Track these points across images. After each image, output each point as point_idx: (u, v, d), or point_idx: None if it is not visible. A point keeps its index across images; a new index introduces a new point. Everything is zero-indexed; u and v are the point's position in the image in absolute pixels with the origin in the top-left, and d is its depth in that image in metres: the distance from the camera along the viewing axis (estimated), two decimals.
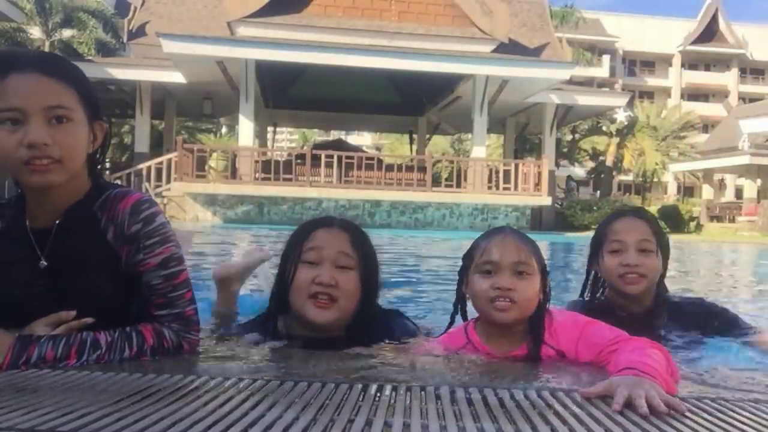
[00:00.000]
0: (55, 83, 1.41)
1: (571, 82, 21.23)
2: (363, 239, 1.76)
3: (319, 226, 1.75)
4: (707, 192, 36.64)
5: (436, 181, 19.22)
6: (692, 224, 25.11)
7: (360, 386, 1.30)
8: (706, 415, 1.20)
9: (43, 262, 1.46)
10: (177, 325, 1.55)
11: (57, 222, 1.48)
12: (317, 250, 1.68)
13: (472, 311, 1.78)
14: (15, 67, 1.38)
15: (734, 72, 54.20)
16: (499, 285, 1.63)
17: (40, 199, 1.47)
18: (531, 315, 1.69)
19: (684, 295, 2.46)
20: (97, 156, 1.54)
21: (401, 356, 1.69)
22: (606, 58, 52.26)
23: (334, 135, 45.26)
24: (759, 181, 31.24)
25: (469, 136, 21.01)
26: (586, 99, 21.73)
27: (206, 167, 19.62)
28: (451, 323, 1.83)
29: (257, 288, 2.80)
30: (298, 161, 18.15)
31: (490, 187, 18.61)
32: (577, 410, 1.19)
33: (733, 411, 1.24)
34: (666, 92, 54.62)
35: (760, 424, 1.16)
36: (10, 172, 1.40)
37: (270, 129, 28.42)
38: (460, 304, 1.79)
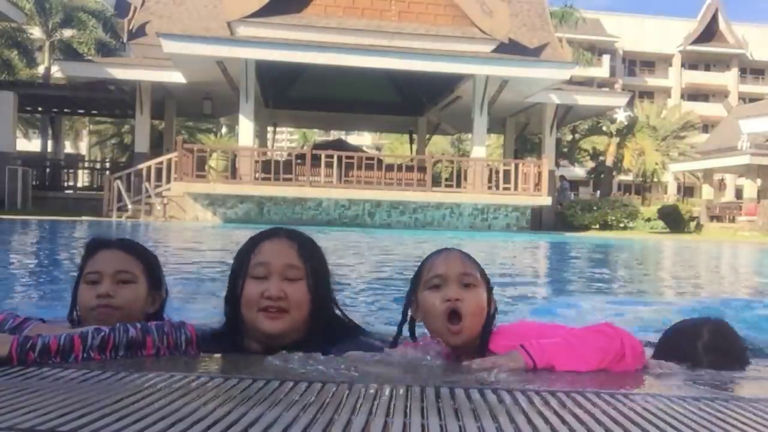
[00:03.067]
0: (127, 256, 1.90)
1: (571, 82, 21.23)
2: (311, 249, 1.79)
3: (264, 238, 1.77)
4: (707, 192, 36.65)
5: (436, 181, 19.22)
6: (692, 224, 25.11)
7: (360, 386, 1.30)
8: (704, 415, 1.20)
9: None
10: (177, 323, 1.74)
11: None
12: (264, 264, 1.71)
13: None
14: (104, 246, 1.91)
15: (734, 72, 54.19)
16: (448, 296, 1.69)
17: None
18: (481, 329, 1.72)
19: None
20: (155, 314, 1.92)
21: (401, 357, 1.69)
22: (606, 58, 52.25)
23: (334, 135, 45.25)
24: (759, 181, 31.24)
25: (469, 136, 21.01)
26: (586, 99, 21.74)
27: (206, 167, 19.63)
28: (395, 342, 1.79)
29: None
30: (298, 161, 18.15)
31: (490, 187, 18.61)
32: (577, 410, 1.19)
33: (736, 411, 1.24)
34: (666, 92, 54.61)
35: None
36: (84, 315, 1.85)
37: (270, 129, 28.42)
38: (408, 324, 1.81)
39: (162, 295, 1.96)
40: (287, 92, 22.20)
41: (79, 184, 25.12)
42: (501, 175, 18.74)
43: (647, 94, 52.83)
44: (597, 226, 20.90)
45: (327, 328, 1.78)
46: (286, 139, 62.46)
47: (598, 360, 1.60)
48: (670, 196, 46.71)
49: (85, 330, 1.58)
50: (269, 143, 28.49)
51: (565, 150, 31.11)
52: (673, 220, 23.27)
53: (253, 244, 1.76)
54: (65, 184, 23.56)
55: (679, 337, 1.90)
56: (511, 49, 18.87)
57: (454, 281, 1.71)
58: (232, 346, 1.75)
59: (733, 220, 30.28)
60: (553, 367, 1.57)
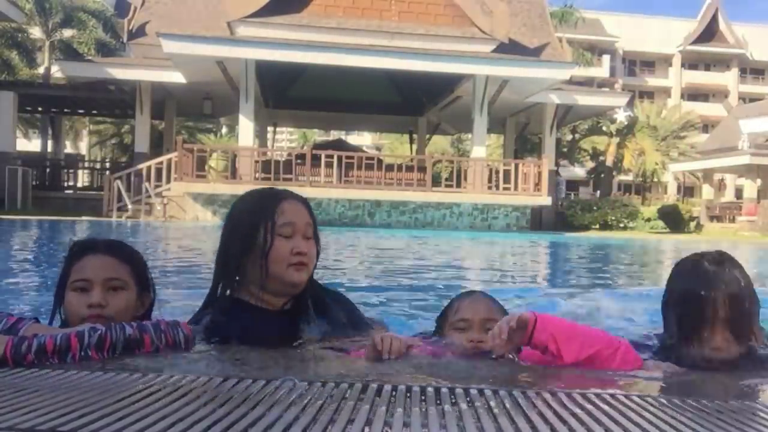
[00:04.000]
0: (115, 261, 1.85)
1: (571, 82, 21.22)
2: (311, 209, 1.97)
3: (282, 199, 1.89)
4: (707, 192, 36.64)
5: (436, 181, 19.22)
6: (692, 224, 25.11)
7: (360, 386, 1.30)
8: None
9: None
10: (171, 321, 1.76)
11: None
12: (291, 224, 1.84)
13: None
14: (90, 251, 1.86)
15: (734, 72, 54.19)
16: (472, 338, 1.84)
17: None
18: None
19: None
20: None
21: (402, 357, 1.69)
22: (606, 58, 52.24)
23: (334, 135, 45.24)
24: (759, 181, 31.23)
25: (469, 136, 21.01)
26: (586, 99, 21.74)
27: (206, 167, 19.62)
28: None
29: None
30: (298, 161, 18.16)
31: (490, 187, 18.61)
32: (577, 410, 1.19)
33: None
34: (666, 92, 54.61)
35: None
36: (73, 323, 1.77)
37: (270, 129, 28.42)
38: None
39: (150, 296, 1.94)
40: (287, 92, 22.20)
41: (79, 184, 25.13)
42: (501, 175, 18.73)
43: (647, 94, 52.83)
44: (597, 226, 20.90)
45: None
46: (286, 139, 62.45)
47: (593, 346, 1.64)
48: (670, 196, 46.71)
49: (81, 329, 1.58)
50: (269, 143, 28.49)
51: (565, 150, 31.12)
52: (673, 220, 23.28)
53: (273, 203, 1.86)
54: (65, 184, 23.57)
55: (684, 279, 1.80)
56: (511, 49, 18.87)
57: (478, 326, 1.86)
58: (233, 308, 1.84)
59: (733, 220, 30.29)
60: (553, 336, 1.63)
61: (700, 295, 1.70)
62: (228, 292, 1.89)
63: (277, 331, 1.83)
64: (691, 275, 1.77)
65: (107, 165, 27.57)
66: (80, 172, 26.31)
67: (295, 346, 1.81)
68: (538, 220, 19.57)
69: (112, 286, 1.82)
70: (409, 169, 19.10)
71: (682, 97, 53.14)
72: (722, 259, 1.78)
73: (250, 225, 1.84)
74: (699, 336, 1.71)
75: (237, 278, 1.88)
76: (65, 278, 1.84)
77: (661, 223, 22.56)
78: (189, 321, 1.88)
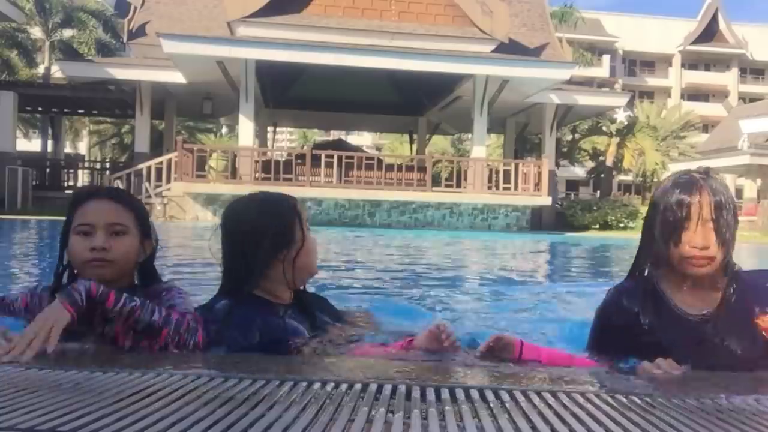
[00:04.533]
0: (118, 206, 1.89)
1: (571, 82, 21.22)
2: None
3: (296, 200, 2.03)
4: None
5: (436, 181, 19.22)
6: None
7: (360, 386, 1.30)
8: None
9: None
10: (193, 317, 1.80)
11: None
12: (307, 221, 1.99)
13: None
14: (93, 196, 1.89)
15: (734, 72, 54.20)
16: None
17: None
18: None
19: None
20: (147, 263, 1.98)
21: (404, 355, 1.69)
22: (606, 58, 52.24)
23: (334, 135, 45.26)
24: (759, 181, 31.25)
25: (469, 136, 21.01)
26: (586, 99, 21.74)
27: (206, 167, 19.63)
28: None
29: None
30: (298, 161, 18.16)
31: (490, 187, 18.61)
32: (577, 410, 1.19)
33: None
34: (666, 92, 54.62)
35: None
36: (76, 267, 1.86)
37: (270, 129, 28.42)
38: None
39: (152, 244, 1.97)
40: (287, 92, 22.20)
41: (79, 184, 25.11)
42: (501, 175, 18.74)
43: (647, 94, 52.82)
44: (597, 226, 20.90)
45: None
46: (286, 139, 62.46)
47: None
48: None
49: (121, 290, 1.68)
50: (269, 143, 28.49)
51: (565, 150, 31.11)
52: None
53: (294, 203, 1.99)
54: (65, 184, 23.55)
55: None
56: (511, 49, 18.87)
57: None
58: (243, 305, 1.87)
59: None
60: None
61: (686, 196, 1.70)
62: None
63: (286, 320, 1.90)
64: (676, 183, 1.76)
65: (107, 165, 27.56)
66: (80, 172, 26.28)
67: (295, 344, 1.81)
68: (538, 220, 19.57)
69: (114, 230, 1.85)
70: (409, 169, 19.10)
71: (682, 97, 53.13)
72: (707, 171, 1.78)
73: (280, 226, 1.93)
74: (680, 235, 1.70)
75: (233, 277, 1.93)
76: (69, 223, 1.88)
77: None
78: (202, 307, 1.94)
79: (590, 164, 36.04)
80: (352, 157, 18.11)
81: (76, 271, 1.88)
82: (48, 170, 23.48)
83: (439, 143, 42.50)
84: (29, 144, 34.66)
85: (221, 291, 1.96)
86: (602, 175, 31.86)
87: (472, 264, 8.73)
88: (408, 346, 1.78)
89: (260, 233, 1.90)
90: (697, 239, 1.69)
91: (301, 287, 2.04)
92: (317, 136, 52.92)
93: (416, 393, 1.27)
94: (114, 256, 1.83)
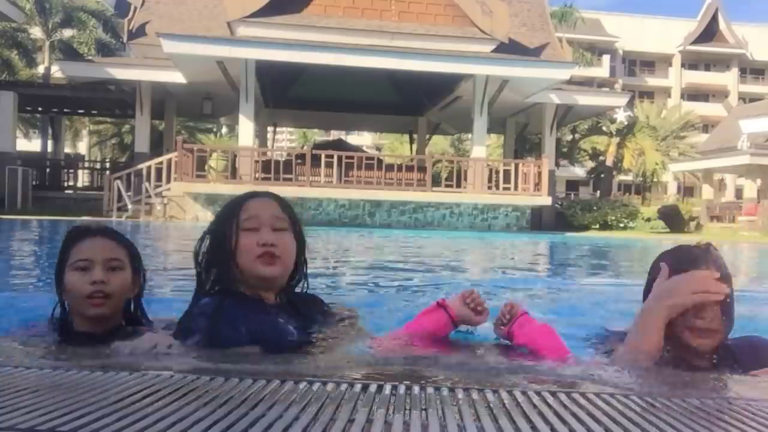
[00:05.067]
0: (113, 243, 2.00)
1: (571, 82, 21.23)
2: (288, 204, 2.03)
3: (251, 197, 1.97)
4: (707, 192, 36.65)
5: (436, 181, 19.22)
6: (692, 224, 25.11)
7: (360, 386, 1.30)
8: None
9: None
10: None
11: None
12: (255, 218, 1.89)
13: None
14: (88, 234, 1.98)
15: (734, 72, 54.21)
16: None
17: (90, 323, 1.96)
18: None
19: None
20: (135, 301, 2.09)
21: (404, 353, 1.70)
22: (606, 58, 52.26)
23: (334, 135, 45.27)
24: (759, 181, 31.24)
25: (469, 136, 21.01)
26: (586, 99, 21.74)
27: (206, 167, 19.64)
28: None
29: None
30: (298, 161, 18.16)
31: (490, 187, 18.61)
32: (577, 410, 1.19)
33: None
34: (666, 92, 54.63)
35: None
36: (75, 304, 1.94)
37: (270, 129, 28.42)
38: None
39: (140, 281, 2.07)
40: (287, 92, 22.20)
41: (79, 184, 25.13)
42: (501, 175, 18.74)
43: (647, 94, 52.84)
44: (597, 226, 20.90)
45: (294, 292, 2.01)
46: (286, 139, 62.47)
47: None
48: (670, 196, 46.72)
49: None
50: (269, 143, 28.49)
51: (565, 150, 31.12)
52: (672, 220, 23.28)
53: (238, 203, 1.94)
54: (65, 184, 23.57)
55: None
56: (511, 49, 18.88)
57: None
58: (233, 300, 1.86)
59: (733, 220, 30.29)
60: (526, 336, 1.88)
61: (695, 269, 1.70)
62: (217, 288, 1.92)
63: (276, 318, 1.86)
64: (682, 256, 1.76)
65: (107, 165, 27.58)
66: (80, 172, 26.32)
67: (293, 343, 1.81)
68: (538, 220, 19.58)
69: (111, 266, 1.94)
70: (409, 169, 19.10)
71: (682, 97, 53.16)
72: (708, 246, 1.78)
73: (218, 227, 1.93)
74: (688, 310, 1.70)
75: (212, 279, 1.92)
76: (64, 260, 1.96)
77: (661, 223, 22.56)
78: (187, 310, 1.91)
79: (590, 164, 36.08)
80: (352, 157, 18.11)
81: (68, 309, 1.98)
82: (48, 170, 23.48)
83: (439, 143, 42.52)
84: (29, 144, 34.67)
85: (200, 291, 1.94)
86: (602, 175, 31.88)
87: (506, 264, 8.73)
88: (429, 314, 1.94)
89: (208, 234, 1.96)
90: (707, 313, 1.69)
91: (285, 287, 1.96)
92: (317, 136, 52.93)
93: (416, 393, 1.27)
94: (112, 290, 1.92)
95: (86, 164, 28.76)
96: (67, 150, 34.71)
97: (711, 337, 1.72)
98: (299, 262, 1.99)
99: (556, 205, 22.03)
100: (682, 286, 1.68)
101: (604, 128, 29.79)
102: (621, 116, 28.22)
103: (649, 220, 22.44)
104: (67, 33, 30.23)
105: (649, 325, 1.69)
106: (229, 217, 1.91)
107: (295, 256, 1.95)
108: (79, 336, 1.93)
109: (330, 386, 1.29)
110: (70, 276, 1.92)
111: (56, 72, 26.67)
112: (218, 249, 1.90)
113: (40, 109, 25.53)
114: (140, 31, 20.37)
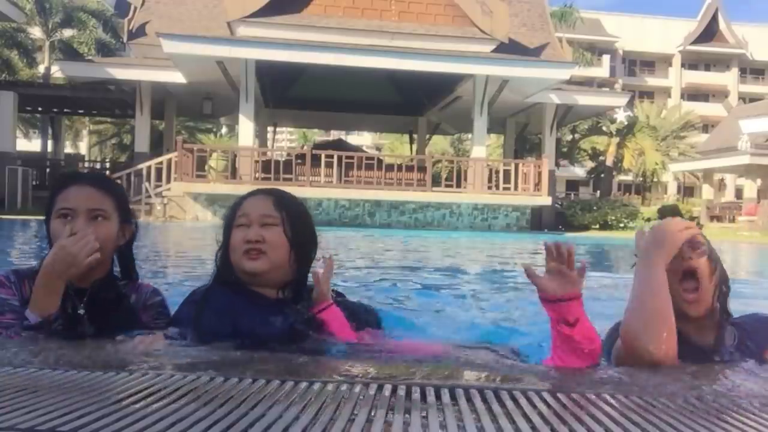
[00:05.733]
0: (99, 192, 1.92)
1: (571, 82, 21.23)
2: (287, 201, 2.01)
3: (248, 196, 2.02)
4: (707, 192, 36.66)
5: (436, 181, 19.21)
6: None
7: (360, 386, 1.30)
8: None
9: (81, 311, 1.89)
10: None
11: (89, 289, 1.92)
12: (245, 215, 1.95)
13: None
14: (74, 181, 1.93)
15: (734, 72, 54.21)
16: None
17: None
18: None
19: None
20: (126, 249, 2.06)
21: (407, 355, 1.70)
22: (606, 58, 52.25)
23: (334, 135, 45.26)
24: (759, 181, 31.25)
25: (469, 136, 21.01)
26: (586, 99, 21.73)
27: (206, 167, 19.63)
28: None
29: None
30: (298, 161, 18.15)
31: (490, 187, 18.61)
32: (577, 410, 1.19)
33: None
34: (666, 92, 54.63)
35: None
36: None
37: (270, 129, 28.42)
38: None
39: (131, 228, 2.02)
40: (287, 92, 22.20)
41: None
42: (501, 175, 18.73)
43: (647, 94, 52.83)
44: (597, 226, 20.90)
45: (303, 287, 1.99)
46: (286, 139, 62.46)
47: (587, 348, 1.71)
48: (670, 196, 46.72)
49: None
50: (269, 143, 28.49)
51: (565, 150, 31.11)
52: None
53: (235, 204, 2.02)
54: None
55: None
56: (511, 49, 18.87)
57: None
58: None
59: (733, 220, 30.29)
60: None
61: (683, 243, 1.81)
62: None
63: (267, 312, 1.88)
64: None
65: (107, 165, 27.57)
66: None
67: (294, 343, 1.81)
68: (538, 220, 19.57)
69: (94, 215, 1.89)
70: (409, 169, 19.10)
71: (682, 97, 53.15)
72: (675, 206, 1.92)
73: (224, 222, 2.02)
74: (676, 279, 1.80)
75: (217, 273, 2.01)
76: (51, 207, 1.91)
77: None
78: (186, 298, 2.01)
79: (590, 164, 36.07)
80: (352, 157, 18.10)
81: None
82: (48, 170, 23.46)
83: (439, 143, 42.51)
84: (29, 144, 34.65)
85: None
86: (602, 175, 31.87)
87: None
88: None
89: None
90: (690, 282, 1.82)
91: (256, 284, 1.94)
92: (317, 136, 52.92)
93: (416, 393, 1.27)
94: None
95: (86, 164, 28.74)
96: (67, 150, 34.73)
97: (699, 300, 1.83)
98: (303, 258, 1.97)
99: (556, 205, 22.02)
100: (667, 228, 1.80)
101: (604, 128, 29.78)
102: (621, 116, 28.21)
103: (649, 220, 22.42)
104: (67, 33, 30.21)
105: (651, 276, 1.74)
106: (228, 216, 2.00)
107: (291, 252, 1.93)
108: (66, 290, 1.86)
109: (330, 386, 1.29)
110: (54, 224, 1.88)
111: (56, 72, 26.67)
112: (221, 246, 2.00)
113: (40, 109, 25.52)
114: (140, 31, 20.36)
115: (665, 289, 1.73)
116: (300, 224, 1.98)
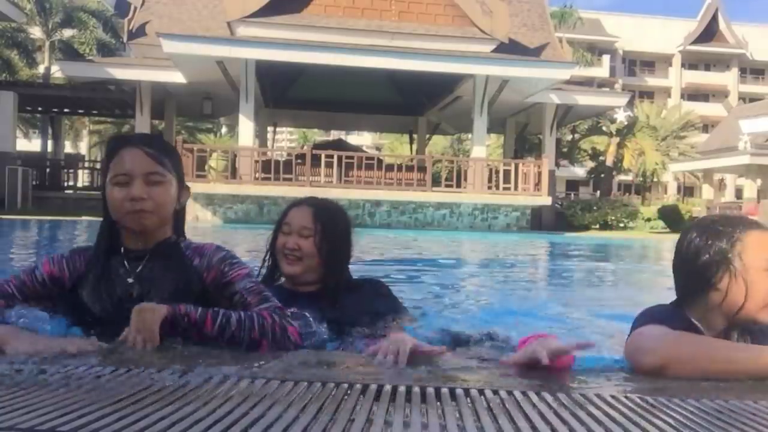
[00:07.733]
0: (154, 154, 1.83)
1: (571, 82, 21.21)
2: (325, 213, 2.27)
3: (293, 206, 2.31)
4: (707, 192, 36.68)
5: (436, 181, 19.20)
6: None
7: (360, 386, 1.30)
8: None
9: (131, 279, 1.86)
10: (280, 312, 1.83)
11: (150, 250, 1.89)
12: (288, 223, 2.25)
13: None
14: (127, 145, 1.84)
15: (734, 72, 54.21)
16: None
17: (136, 236, 1.87)
18: None
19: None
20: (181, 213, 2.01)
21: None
22: (606, 58, 52.25)
23: (334, 135, 45.26)
24: (759, 181, 31.25)
25: (469, 136, 21.00)
26: (586, 99, 21.71)
27: (206, 167, 19.61)
28: None
29: None
30: (298, 161, 18.15)
31: (490, 187, 18.59)
32: (576, 410, 1.19)
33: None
34: (666, 92, 54.63)
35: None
36: (117, 218, 1.83)
37: (270, 129, 28.42)
38: None
39: (187, 192, 1.96)
40: (287, 92, 22.19)
41: (79, 184, 25.12)
42: (501, 175, 18.72)
43: (647, 94, 52.84)
44: (597, 226, 20.90)
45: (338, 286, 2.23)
46: (286, 139, 62.46)
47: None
48: (670, 196, 46.72)
49: (216, 311, 1.72)
50: (269, 143, 28.49)
51: (565, 150, 31.11)
52: (673, 220, 23.28)
53: (283, 211, 2.32)
54: (65, 184, 23.55)
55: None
56: (511, 49, 18.86)
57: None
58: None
59: None
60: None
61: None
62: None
63: (298, 306, 2.03)
64: (713, 232, 1.76)
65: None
66: (80, 172, 26.28)
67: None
68: (538, 220, 19.56)
69: (152, 180, 1.81)
70: (409, 169, 19.09)
71: (682, 97, 53.15)
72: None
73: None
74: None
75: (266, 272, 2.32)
76: (105, 174, 1.85)
77: (661, 223, 22.56)
78: None
79: (590, 164, 36.06)
80: (352, 157, 18.10)
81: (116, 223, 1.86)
82: (48, 170, 23.46)
83: (439, 143, 42.51)
84: (29, 144, 34.66)
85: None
86: (602, 175, 31.87)
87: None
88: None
89: None
90: None
91: (333, 278, 2.22)
92: (317, 136, 52.92)
93: (416, 393, 1.27)
94: (152, 207, 1.80)
95: (86, 164, 28.74)
96: (68, 150, 34.73)
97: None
98: (333, 263, 2.23)
99: (556, 205, 22.02)
100: None
101: (604, 128, 29.79)
102: (621, 116, 28.21)
103: (649, 220, 22.44)
104: (67, 33, 30.23)
105: (759, 359, 1.61)
106: (277, 221, 2.31)
107: (326, 257, 2.20)
108: (128, 253, 1.86)
109: (330, 386, 1.29)
110: (111, 191, 1.81)
111: (56, 72, 26.68)
112: (269, 246, 2.31)
113: (40, 109, 25.51)
114: (140, 31, 20.35)
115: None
116: (333, 236, 2.23)
